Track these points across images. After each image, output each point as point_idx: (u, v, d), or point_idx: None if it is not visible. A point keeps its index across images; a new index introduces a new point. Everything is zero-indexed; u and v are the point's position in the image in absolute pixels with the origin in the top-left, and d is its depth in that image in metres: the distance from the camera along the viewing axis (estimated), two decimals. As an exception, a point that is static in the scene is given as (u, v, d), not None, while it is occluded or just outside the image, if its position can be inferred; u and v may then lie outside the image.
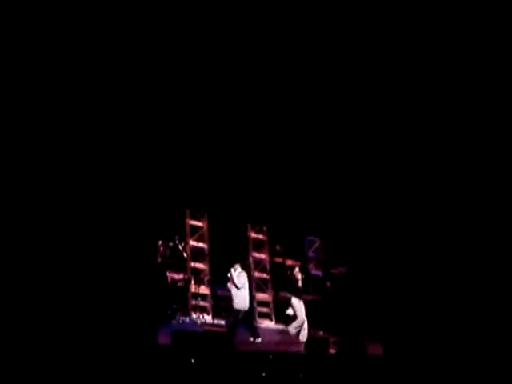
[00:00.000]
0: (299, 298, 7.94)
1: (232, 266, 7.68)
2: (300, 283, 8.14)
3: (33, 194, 5.76)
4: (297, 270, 8.24)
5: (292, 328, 7.96)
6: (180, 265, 8.42)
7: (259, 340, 7.59)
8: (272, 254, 9.25)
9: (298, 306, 7.88)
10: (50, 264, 5.61)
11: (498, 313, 6.95)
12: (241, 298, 7.48)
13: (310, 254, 9.68)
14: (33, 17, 5.60)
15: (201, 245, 8.68)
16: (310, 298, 8.49)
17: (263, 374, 6.05)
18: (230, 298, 7.66)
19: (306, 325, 7.93)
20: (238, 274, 7.59)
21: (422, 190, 8.16)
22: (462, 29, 6.77)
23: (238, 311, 7.48)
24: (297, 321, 7.87)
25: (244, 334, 7.52)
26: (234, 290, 7.54)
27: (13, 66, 5.60)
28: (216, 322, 8.23)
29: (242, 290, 7.52)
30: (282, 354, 7.00)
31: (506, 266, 7.17)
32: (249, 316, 7.71)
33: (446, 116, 7.63)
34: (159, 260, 8.11)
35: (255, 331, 7.70)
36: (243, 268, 7.78)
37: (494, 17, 6.69)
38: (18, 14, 5.51)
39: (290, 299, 8.02)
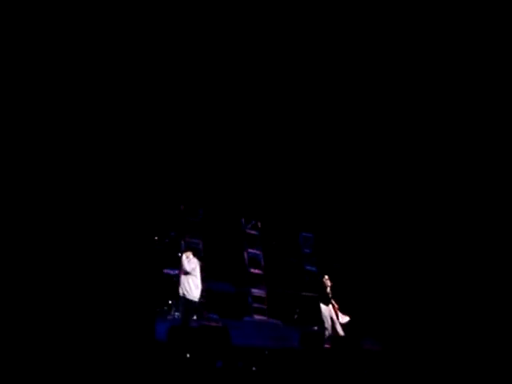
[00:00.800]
0: (326, 304, 8.18)
1: (184, 253, 7.37)
2: (328, 289, 8.25)
3: (31, 188, 5.75)
4: (326, 277, 8.39)
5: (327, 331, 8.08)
6: (175, 261, 8.45)
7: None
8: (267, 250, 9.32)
9: (326, 311, 8.13)
10: (44, 263, 5.62)
11: (495, 310, 7.05)
12: (192, 286, 7.13)
13: (305, 250, 9.78)
14: (33, 17, 5.60)
15: (196, 241, 8.72)
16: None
17: (253, 369, 6.11)
18: (224, 293, 7.63)
19: (336, 326, 8.01)
20: (189, 261, 7.23)
21: (415, 186, 8.25)
22: (462, 29, 6.82)
23: (189, 300, 7.13)
24: (326, 324, 8.03)
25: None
26: (183, 278, 7.16)
27: (13, 66, 5.61)
28: (211, 317, 8.28)
29: (193, 278, 7.17)
30: (277, 349, 7.07)
31: (501, 261, 7.30)
32: (197, 306, 7.35)
33: (442, 115, 7.71)
34: (155, 256, 8.07)
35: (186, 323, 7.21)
36: (195, 256, 7.41)
37: (494, 17, 6.74)
38: (18, 14, 5.53)
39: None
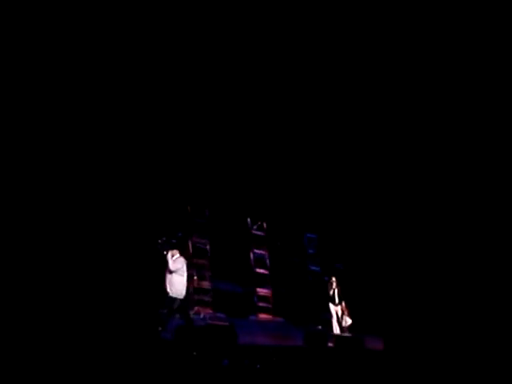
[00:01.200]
0: (335, 304, 8.79)
1: (169, 252, 7.24)
2: (336, 291, 8.83)
3: (40, 190, 5.86)
4: (334, 279, 8.92)
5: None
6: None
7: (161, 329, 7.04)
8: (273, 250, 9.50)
9: (333, 310, 8.77)
10: (53, 263, 5.78)
11: (497, 308, 7.10)
12: (176, 284, 7.08)
13: (310, 250, 9.93)
14: (33, 17, 5.66)
15: (203, 241, 8.86)
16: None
17: (257, 366, 6.23)
18: (230, 292, 7.73)
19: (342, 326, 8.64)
20: (175, 260, 7.19)
21: (418, 187, 8.32)
22: (462, 29, 6.86)
23: (173, 299, 7.05)
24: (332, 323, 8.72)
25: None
26: (169, 276, 7.10)
27: (13, 66, 5.67)
28: (217, 315, 8.44)
29: (178, 277, 7.12)
30: (282, 347, 7.21)
31: (502, 260, 7.36)
32: (184, 305, 7.27)
33: (445, 115, 7.77)
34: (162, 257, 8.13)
35: (190, 322, 7.24)
36: (182, 255, 7.34)
37: (494, 17, 6.76)
38: (18, 14, 5.57)
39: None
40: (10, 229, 5.55)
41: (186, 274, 7.15)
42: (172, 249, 7.27)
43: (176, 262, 7.12)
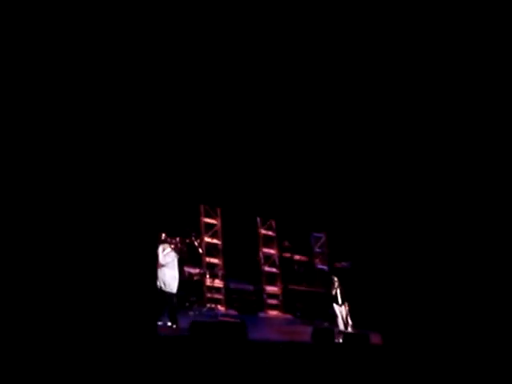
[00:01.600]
0: (338, 303, 9.16)
1: (160, 246, 7.27)
2: (338, 290, 9.23)
3: (36, 180, 5.90)
4: (336, 279, 9.33)
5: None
6: (196, 260, 8.84)
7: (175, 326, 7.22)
8: (281, 249, 9.73)
9: (337, 309, 9.12)
10: (66, 259, 5.94)
11: (497, 307, 7.19)
12: (167, 278, 7.10)
13: (316, 249, 10.13)
14: (33, 17, 5.61)
15: (215, 241, 9.11)
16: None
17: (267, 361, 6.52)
18: (241, 290, 7.98)
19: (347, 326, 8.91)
20: (166, 254, 7.23)
21: (424, 187, 8.43)
22: (462, 29, 6.90)
23: (170, 294, 7.12)
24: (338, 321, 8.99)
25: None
26: (160, 271, 7.11)
27: (12, 65, 5.72)
28: (229, 312, 8.71)
29: (169, 271, 7.15)
30: (291, 343, 7.48)
31: (504, 259, 7.44)
32: (177, 299, 7.32)
33: (448, 114, 7.84)
34: (178, 256, 8.36)
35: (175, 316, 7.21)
36: (174, 249, 7.39)
37: (494, 17, 6.79)
38: (18, 14, 5.54)
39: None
40: (9, 227, 5.55)
41: (177, 268, 7.27)
42: (163, 243, 7.37)
43: (167, 256, 7.22)
